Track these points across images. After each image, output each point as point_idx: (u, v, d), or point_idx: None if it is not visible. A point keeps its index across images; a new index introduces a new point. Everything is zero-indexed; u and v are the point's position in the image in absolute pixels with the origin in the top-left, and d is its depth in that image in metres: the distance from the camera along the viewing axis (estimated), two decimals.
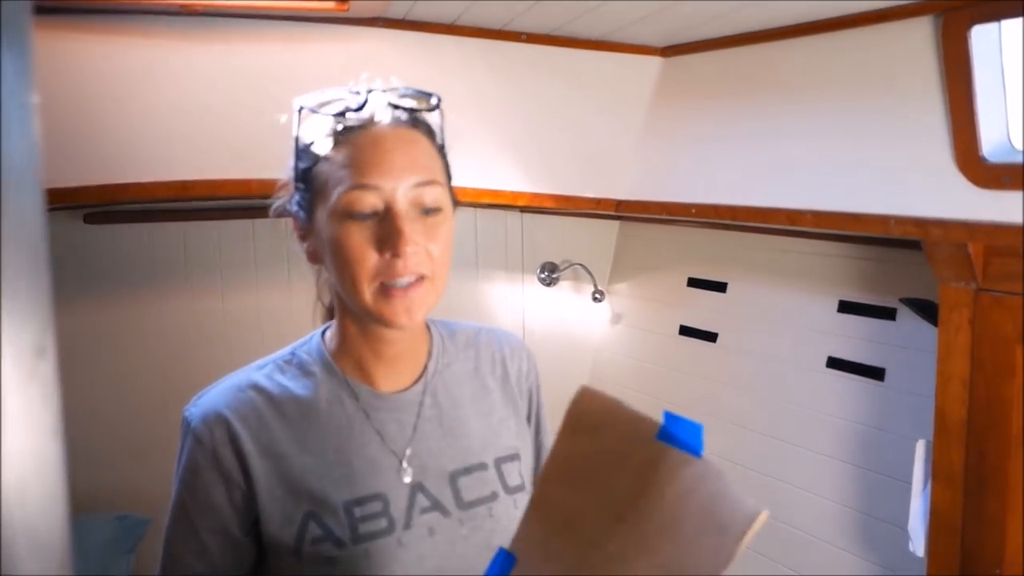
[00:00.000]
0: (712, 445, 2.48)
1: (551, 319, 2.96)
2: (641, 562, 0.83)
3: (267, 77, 1.96)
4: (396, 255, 0.95)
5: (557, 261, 2.95)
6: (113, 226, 2.50)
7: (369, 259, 0.96)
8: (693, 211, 1.98)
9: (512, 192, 2.29)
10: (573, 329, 2.95)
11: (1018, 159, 1.33)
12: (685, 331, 2.62)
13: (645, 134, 2.22)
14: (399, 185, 0.96)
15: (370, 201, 0.96)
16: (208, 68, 1.95)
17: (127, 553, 2.26)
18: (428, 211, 0.99)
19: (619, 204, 2.26)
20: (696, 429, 0.87)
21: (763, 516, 0.78)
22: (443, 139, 1.07)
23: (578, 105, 2.22)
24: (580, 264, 2.89)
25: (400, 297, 0.97)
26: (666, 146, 2.17)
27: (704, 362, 2.54)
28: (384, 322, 0.99)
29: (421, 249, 0.97)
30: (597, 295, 2.87)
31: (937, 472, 1.54)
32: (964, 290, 1.46)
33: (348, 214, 0.96)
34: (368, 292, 0.97)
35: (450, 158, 1.08)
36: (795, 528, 2.23)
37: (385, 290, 0.97)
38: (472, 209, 2.78)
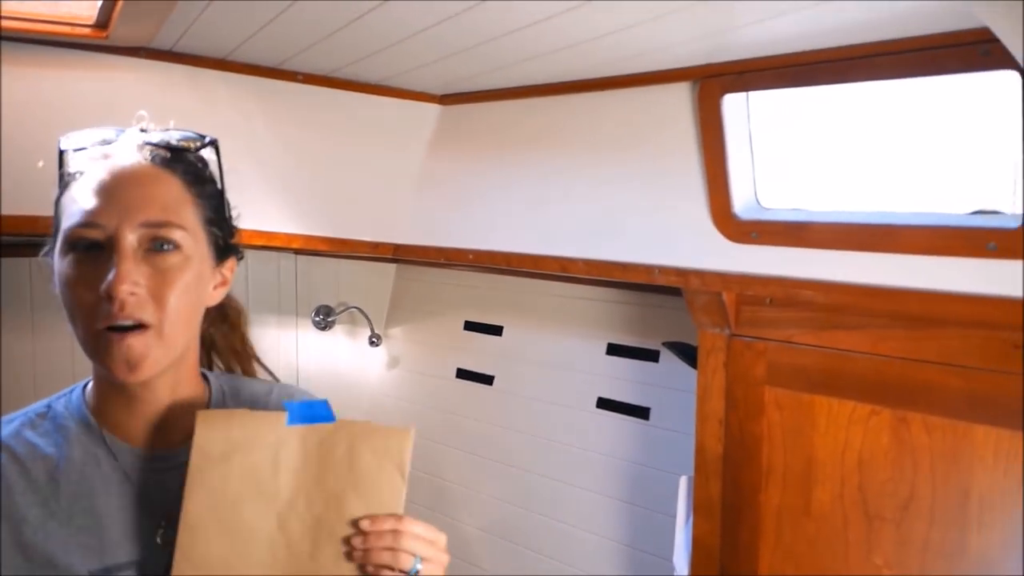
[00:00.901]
0: (486, 485, 2.50)
1: (326, 364, 2.88)
2: (337, 533, 0.92)
3: (24, 105, 1.79)
4: (111, 295, 0.87)
5: (332, 304, 2.89)
6: None
7: (86, 299, 0.89)
8: (471, 257, 2.01)
9: (286, 234, 2.22)
10: (349, 374, 2.89)
11: (765, 216, 1.46)
12: (462, 374, 2.64)
13: (423, 179, 2.23)
14: (125, 223, 0.89)
15: (92, 236, 0.89)
16: None
17: None
18: (162, 250, 0.91)
19: (397, 248, 2.26)
20: (321, 403, 0.94)
21: (412, 431, 0.95)
22: (214, 182, 1.02)
23: (356, 148, 2.19)
24: (356, 307, 2.85)
25: (117, 344, 0.89)
26: (444, 192, 2.19)
27: (481, 404, 2.57)
28: (109, 373, 0.91)
29: (143, 291, 0.89)
30: (374, 339, 2.84)
31: (697, 505, 1.64)
32: (719, 335, 1.58)
33: (71, 250, 0.90)
34: (88, 337, 0.90)
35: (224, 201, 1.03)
36: (568, 565, 2.30)
37: (105, 335, 0.89)
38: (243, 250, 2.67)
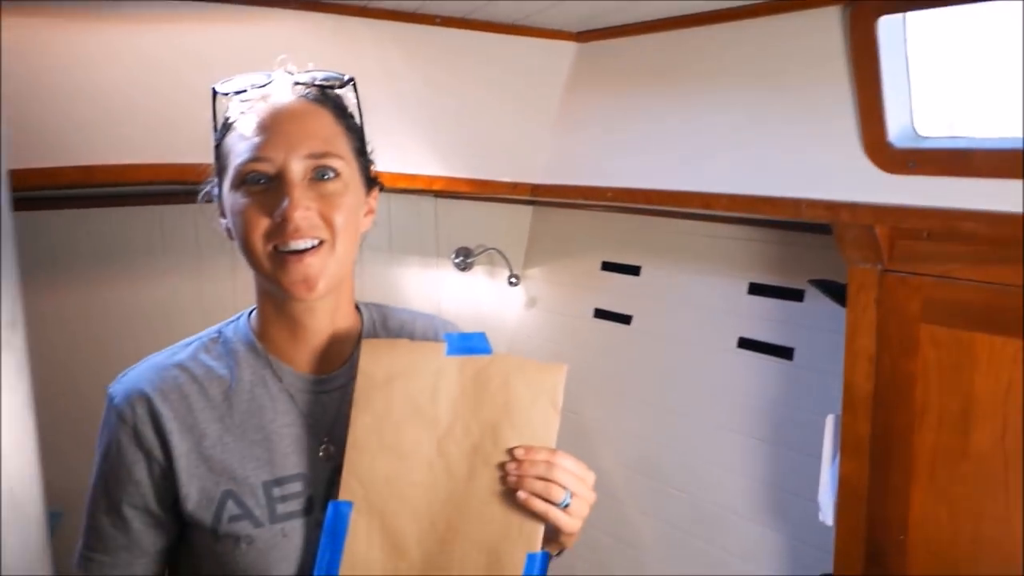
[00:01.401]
0: (628, 425, 2.53)
1: (466, 304, 2.95)
2: (492, 460, 0.96)
3: (178, 59, 1.90)
4: (286, 219, 0.95)
5: (471, 246, 2.95)
6: (38, 212, 2.42)
7: (261, 224, 0.97)
8: (609, 195, 2.00)
9: (427, 176, 2.27)
10: (488, 313, 2.95)
11: (922, 144, 1.39)
12: (600, 314, 2.66)
13: (560, 118, 2.23)
14: (292, 155, 0.97)
15: (263, 170, 0.97)
16: (119, 50, 1.87)
17: None
18: (325, 178, 0.99)
19: (535, 188, 2.27)
20: (479, 335, 0.97)
21: (566, 368, 0.97)
22: (356, 118, 1.08)
23: (494, 89, 2.21)
24: (495, 249, 2.90)
25: (296, 263, 0.97)
26: (582, 130, 2.19)
27: (618, 344, 2.58)
28: (284, 291, 0.99)
29: (314, 213, 0.97)
30: (512, 279, 2.88)
31: (845, 445, 1.61)
32: (871, 271, 1.53)
33: (243, 184, 0.98)
34: (264, 257, 0.98)
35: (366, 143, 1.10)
36: (708, 504, 2.30)
37: (282, 257, 0.97)
38: (385, 195, 2.76)
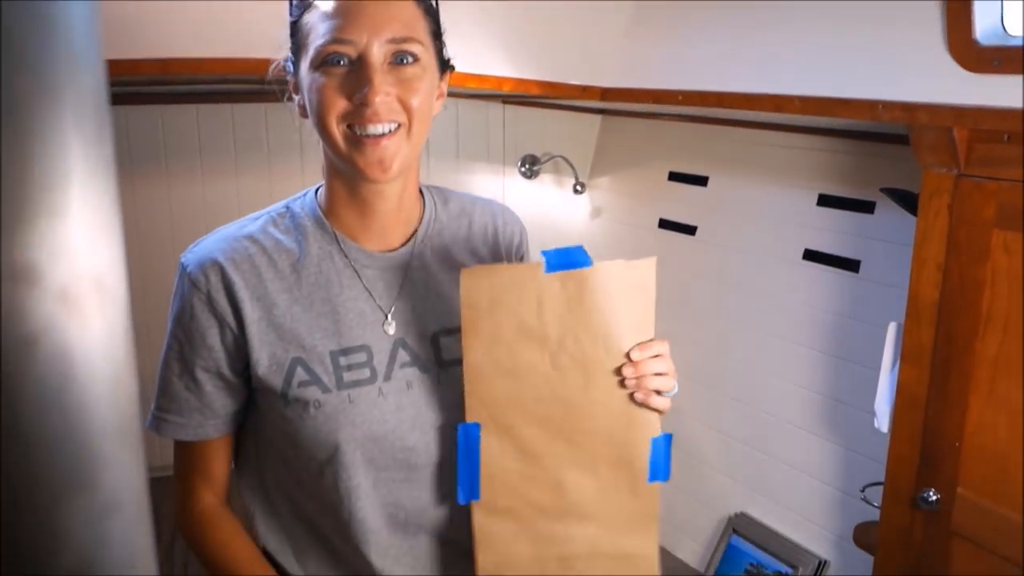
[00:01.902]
0: (690, 334, 2.56)
1: (531, 211, 2.96)
2: (606, 366, 0.99)
3: None
4: (365, 103, 0.97)
5: (538, 154, 2.94)
6: (115, 108, 2.49)
7: (339, 104, 0.99)
8: (680, 98, 1.97)
9: (497, 77, 2.26)
10: (553, 222, 2.96)
11: (1010, 42, 1.34)
12: (664, 224, 2.65)
13: (633, 20, 2.19)
14: (374, 39, 0.98)
15: (345, 53, 0.98)
16: None
17: None
18: (404, 63, 1.00)
19: (605, 92, 2.25)
20: (577, 248, 0.97)
21: (655, 260, 0.98)
22: (434, 3, 1.08)
23: None
24: (561, 157, 2.89)
25: (372, 146, 0.99)
26: (654, 33, 2.15)
27: (682, 255, 2.58)
28: (359, 173, 1.01)
29: (392, 99, 0.99)
30: (578, 187, 2.88)
31: (906, 352, 1.60)
32: (946, 176, 1.49)
33: (323, 64, 0.99)
34: (340, 138, 1.00)
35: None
36: (767, 414, 2.32)
37: (358, 139, 0.99)
38: (453, 100, 2.77)
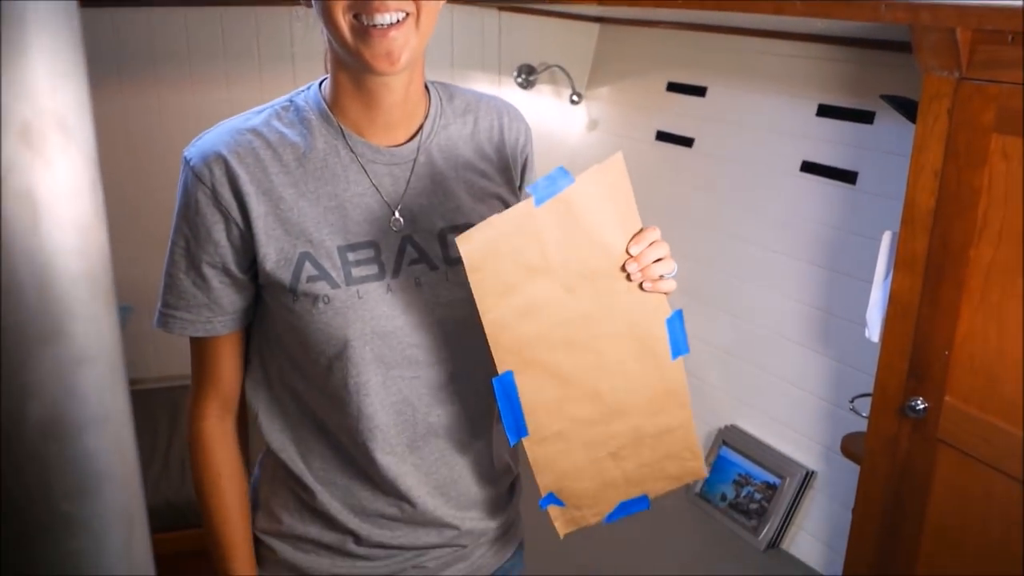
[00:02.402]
0: (684, 247, 2.55)
1: (528, 123, 2.93)
2: (615, 272, 1.01)
3: None
4: None
5: (535, 63, 2.89)
6: (101, 10, 2.44)
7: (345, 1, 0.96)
8: (679, 1, 1.92)
9: None
10: (550, 133, 2.92)
11: None
12: (662, 136, 2.62)
13: None
14: None
15: None
16: None
17: None
18: None
19: None
20: (558, 171, 0.97)
21: (620, 154, 0.98)
22: None
23: None
24: (558, 66, 2.84)
25: (380, 38, 0.96)
26: None
27: (679, 168, 2.55)
28: (366, 65, 0.99)
29: None
30: (575, 97, 2.84)
31: (900, 260, 1.59)
32: (947, 79, 1.46)
33: None
34: (347, 29, 0.97)
35: None
36: (759, 328, 2.33)
37: (365, 30, 0.96)
38: (448, 8, 2.70)
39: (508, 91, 2.90)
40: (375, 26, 0.96)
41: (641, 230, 1.01)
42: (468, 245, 0.96)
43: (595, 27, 2.86)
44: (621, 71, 2.81)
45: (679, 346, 1.08)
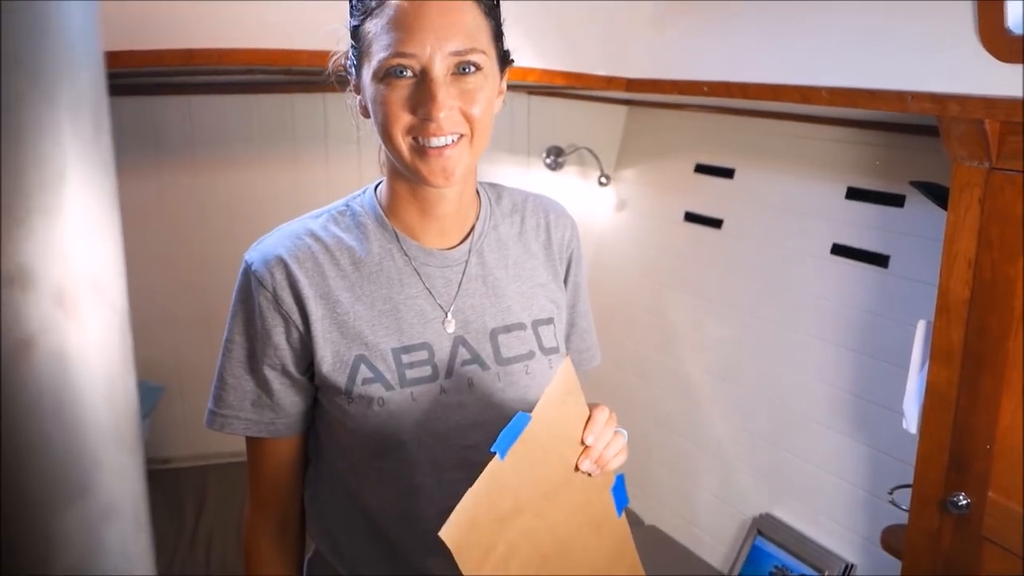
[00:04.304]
0: (715, 330, 2.52)
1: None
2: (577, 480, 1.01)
3: None
4: (428, 118, 0.97)
5: (563, 145, 2.93)
6: (141, 98, 2.52)
7: (404, 118, 0.99)
8: (705, 89, 1.95)
9: (522, 68, 2.25)
10: (578, 215, 2.90)
11: None
12: (690, 217, 2.62)
13: (658, 11, 2.16)
14: (437, 52, 0.97)
15: (408, 65, 0.97)
16: None
17: (143, 419, 2.34)
18: (466, 72, 0.99)
19: (630, 83, 2.22)
20: (516, 418, 0.94)
21: (567, 358, 0.97)
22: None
23: None
24: (587, 148, 2.87)
25: (436, 157, 0.99)
26: (679, 24, 2.12)
27: (708, 249, 2.55)
28: (422, 180, 1.02)
29: (455, 111, 0.99)
30: (603, 179, 2.86)
31: (936, 351, 1.57)
32: (977, 169, 1.46)
33: (386, 76, 0.98)
34: (405, 149, 1.00)
35: None
36: (792, 412, 2.29)
37: (422, 149, 0.99)
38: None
39: (536, 173, 2.93)
40: (432, 147, 0.99)
41: (590, 415, 0.99)
42: (451, 533, 0.92)
43: (623, 109, 2.90)
44: (649, 152, 2.84)
45: (621, 502, 1.07)
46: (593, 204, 2.95)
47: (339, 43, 1.11)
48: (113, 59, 1.97)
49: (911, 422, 1.71)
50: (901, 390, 1.77)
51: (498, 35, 1.07)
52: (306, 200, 2.70)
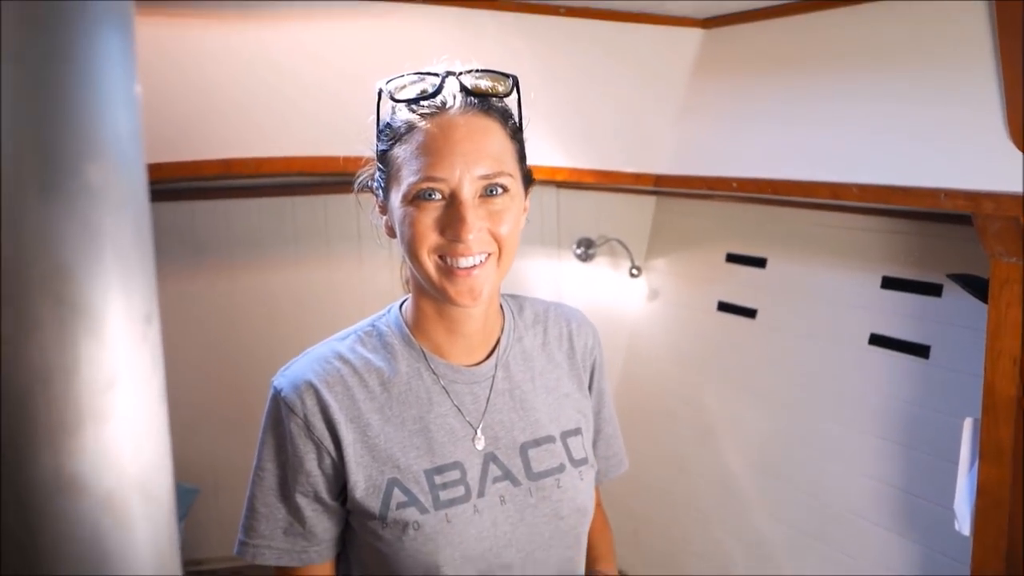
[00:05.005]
0: (751, 421, 2.47)
1: (587, 295, 2.95)
2: None
3: (315, 56, 1.98)
4: (457, 239, 0.98)
5: (593, 237, 2.94)
6: (180, 203, 2.59)
7: (431, 239, 1.00)
8: (734, 185, 1.96)
9: (550, 167, 2.28)
10: (610, 305, 2.94)
11: None
12: (723, 307, 2.61)
13: (685, 107, 2.20)
14: (466, 175, 0.98)
15: (437, 189, 0.99)
16: (258, 48, 1.97)
17: (179, 521, 2.34)
18: (494, 194, 1.01)
19: (658, 179, 2.25)
20: None
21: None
22: (518, 120, 1.09)
23: (617, 78, 2.20)
24: (617, 240, 2.88)
25: (464, 277, 1.00)
26: (706, 119, 2.14)
27: (743, 339, 2.53)
28: (450, 300, 1.02)
29: (484, 232, 1.00)
30: (634, 271, 2.86)
31: (985, 450, 1.52)
32: (1016, 265, 1.44)
33: (416, 199, 1.00)
34: (432, 269, 1.01)
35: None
36: (835, 507, 2.22)
37: (449, 269, 1.00)
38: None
39: (568, 264, 2.94)
40: (460, 268, 1.00)
41: None
42: None
43: (651, 200, 2.92)
44: (679, 242, 2.84)
45: None
46: (625, 294, 2.95)
47: (359, 149, 1.13)
48: (155, 171, 2.03)
49: (964, 523, 1.66)
50: (950, 485, 1.72)
51: (522, 157, 1.08)
52: (340, 299, 2.75)
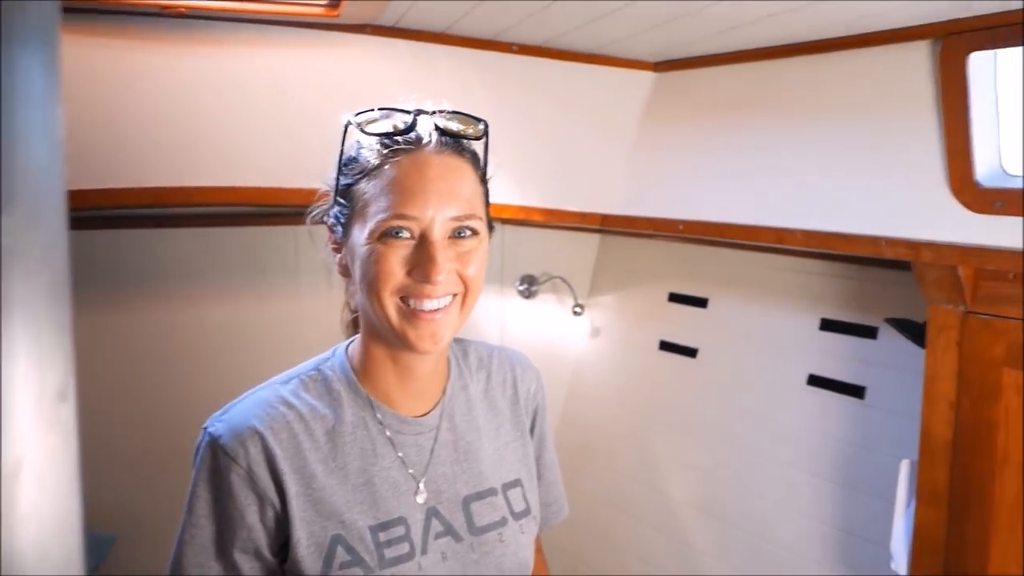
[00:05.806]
0: (692, 460, 2.46)
1: (530, 332, 2.94)
2: None
3: (255, 84, 1.94)
4: (426, 280, 0.95)
5: (536, 274, 2.93)
6: (111, 231, 2.48)
7: (397, 278, 0.96)
8: (681, 227, 1.97)
9: (499, 204, 2.27)
10: (552, 343, 2.93)
11: (1011, 184, 1.34)
12: (665, 346, 2.61)
13: (634, 149, 2.21)
14: (438, 216, 0.96)
15: (407, 228, 0.96)
16: (195, 74, 1.92)
17: (91, 573, 2.21)
18: (463, 236, 0.99)
19: (604, 219, 2.25)
20: None
21: None
22: (485, 165, 1.06)
23: (568, 118, 2.21)
24: (560, 277, 2.88)
25: (427, 321, 0.97)
26: (655, 161, 2.16)
27: (684, 378, 2.54)
28: (408, 345, 0.98)
29: (452, 274, 0.97)
30: (577, 309, 2.86)
31: (922, 492, 1.54)
32: (953, 312, 1.47)
33: (384, 237, 0.96)
34: (392, 311, 0.97)
35: None
36: (774, 546, 2.23)
37: (412, 312, 0.97)
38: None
39: (511, 301, 2.92)
40: (423, 310, 0.96)
41: None
42: None
43: (595, 238, 2.93)
44: (622, 281, 2.85)
45: None
46: (568, 332, 2.94)
47: (310, 181, 1.08)
48: (79, 198, 1.96)
49: (900, 564, 1.67)
50: (886, 524, 1.73)
51: (487, 201, 1.06)
52: (274, 333, 2.66)
